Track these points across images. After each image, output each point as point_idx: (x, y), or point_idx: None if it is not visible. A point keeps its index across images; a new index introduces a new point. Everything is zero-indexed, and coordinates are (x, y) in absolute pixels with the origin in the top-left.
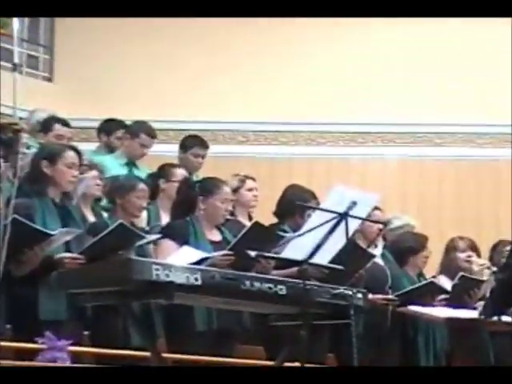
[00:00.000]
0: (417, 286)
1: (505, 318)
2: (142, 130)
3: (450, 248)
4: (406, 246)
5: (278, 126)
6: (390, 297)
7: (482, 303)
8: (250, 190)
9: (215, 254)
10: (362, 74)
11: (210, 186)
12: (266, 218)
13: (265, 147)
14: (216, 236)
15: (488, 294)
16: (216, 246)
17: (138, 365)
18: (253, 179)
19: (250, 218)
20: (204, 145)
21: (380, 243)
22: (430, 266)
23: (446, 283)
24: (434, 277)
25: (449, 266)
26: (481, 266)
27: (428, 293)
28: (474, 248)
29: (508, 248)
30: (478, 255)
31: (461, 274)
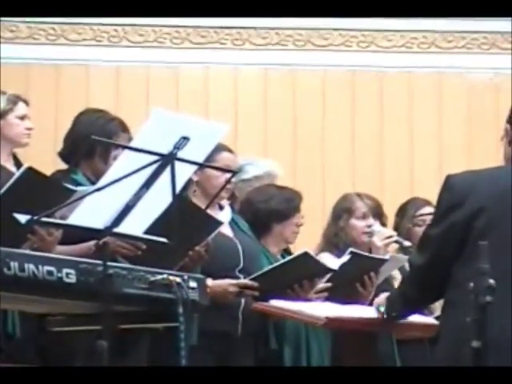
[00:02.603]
0: (284, 261)
1: (414, 318)
2: None
3: (342, 210)
4: (268, 209)
5: None
6: (245, 282)
7: (383, 296)
8: (21, 118)
9: None
10: None
11: None
12: None
13: None
14: None
15: (398, 282)
16: None
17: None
18: (25, 102)
19: None
20: None
21: (226, 204)
22: (304, 240)
23: (332, 264)
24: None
25: (337, 239)
26: (386, 240)
27: (301, 274)
28: (377, 212)
29: (425, 211)
30: (382, 223)
31: (350, 249)
